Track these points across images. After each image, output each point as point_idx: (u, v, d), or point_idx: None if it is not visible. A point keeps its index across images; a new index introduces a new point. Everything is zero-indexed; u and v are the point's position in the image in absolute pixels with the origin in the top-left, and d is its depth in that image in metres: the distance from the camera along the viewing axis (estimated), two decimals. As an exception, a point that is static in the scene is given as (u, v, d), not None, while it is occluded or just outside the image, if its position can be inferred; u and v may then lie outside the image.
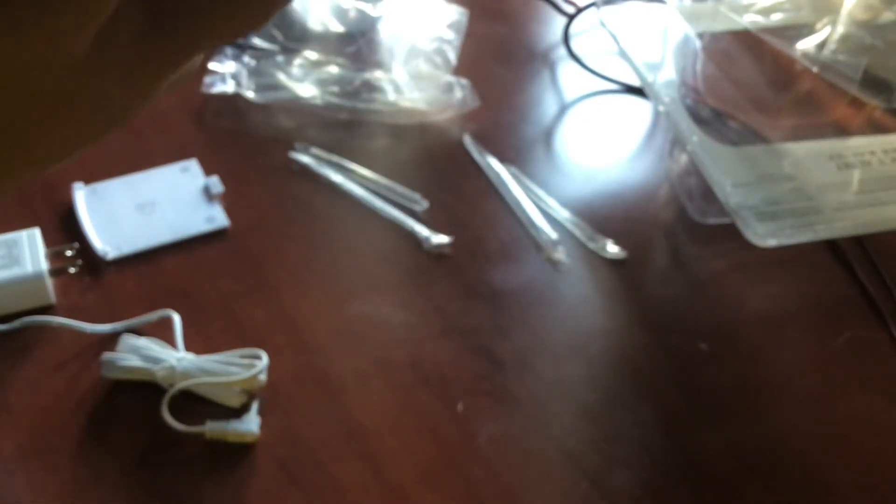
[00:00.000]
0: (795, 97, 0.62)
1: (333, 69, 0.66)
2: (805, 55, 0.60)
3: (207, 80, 0.64)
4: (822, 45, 0.60)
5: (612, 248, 0.56)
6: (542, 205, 0.59)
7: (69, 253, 0.51)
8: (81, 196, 0.55)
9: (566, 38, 0.73)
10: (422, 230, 0.56)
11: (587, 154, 0.65)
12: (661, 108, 0.58)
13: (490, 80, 0.69)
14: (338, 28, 0.70)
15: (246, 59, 0.65)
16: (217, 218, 0.55)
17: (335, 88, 0.64)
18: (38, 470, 0.42)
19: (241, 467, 0.43)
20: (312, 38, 0.69)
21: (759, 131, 0.58)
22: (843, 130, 0.59)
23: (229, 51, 0.66)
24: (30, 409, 0.44)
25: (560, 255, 0.55)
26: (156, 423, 0.44)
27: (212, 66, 0.65)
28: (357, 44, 0.69)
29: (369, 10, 0.71)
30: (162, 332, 0.48)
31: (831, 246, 0.58)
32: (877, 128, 0.59)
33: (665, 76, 0.60)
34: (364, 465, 0.43)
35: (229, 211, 0.56)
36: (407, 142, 0.64)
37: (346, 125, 0.64)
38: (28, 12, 0.14)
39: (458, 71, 0.68)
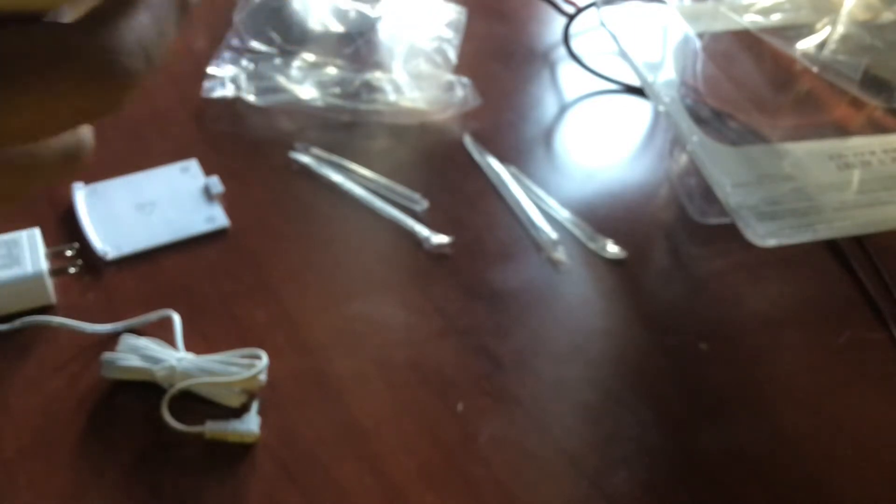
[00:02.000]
0: (795, 97, 0.62)
1: (332, 70, 0.66)
2: (805, 55, 0.60)
3: (207, 84, 0.64)
4: (822, 45, 0.60)
5: (612, 248, 0.56)
6: (542, 205, 0.59)
7: (69, 253, 0.51)
8: (81, 196, 0.56)
9: (566, 38, 0.73)
10: (422, 230, 0.56)
11: (587, 154, 0.65)
12: (661, 108, 0.58)
13: (490, 80, 0.69)
14: (337, 29, 0.70)
15: (244, 62, 0.65)
16: (217, 218, 0.55)
17: (336, 90, 0.64)
18: (39, 470, 0.42)
19: (241, 467, 0.43)
20: (310, 39, 0.69)
21: (759, 131, 0.58)
22: (843, 130, 0.59)
23: (227, 54, 0.66)
24: (30, 409, 0.44)
25: (560, 255, 0.55)
26: (156, 423, 0.44)
27: (210, 70, 0.65)
28: (355, 44, 0.69)
29: (368, 10, 0.71)
30: (162, 332, 0.48)
31: (831, 246, 0.58)
32: (877, 128, 0.59)
33: (665, 76, 0.60)
34: (364, 465, 0.43)
35: (229, 211, 0.56)
36: (407, 142, 0.64)
37: (346, 126, 0.64)
38: None
39: (458, 71, 0.68)
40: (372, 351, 0.49)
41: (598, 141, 0.66)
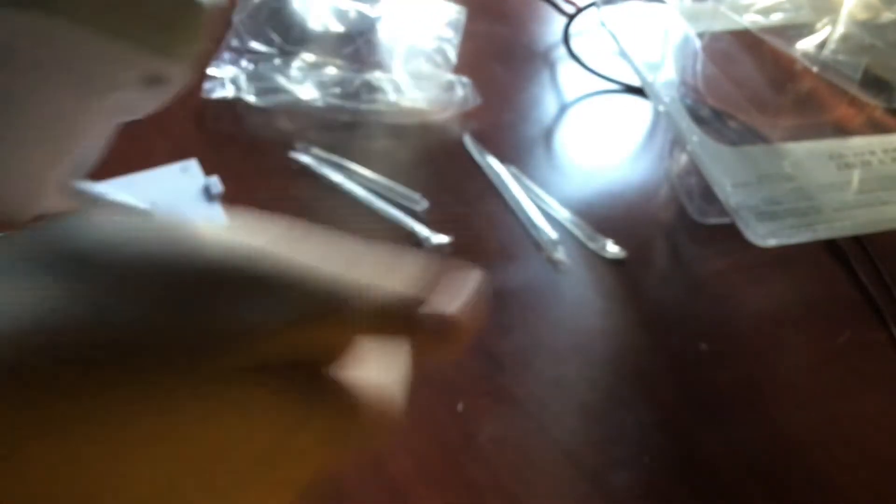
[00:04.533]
0: (795, 97, 0.62)
1: (332, 70, 0.66)
2: (805, 55, 0.60)
3: (207, 85, 0.64)
4: (822, 45, 0.60)
5: (612, 248, 0.56)
6: (542, 205, 0.59)
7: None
8: (81, 196, 0.56)
9: (566, 38, 0.73)
10: (422, 230, 0.56)
11: (587, 154, 0.65)
12: (661, 108, 0.58)
13: (490, 79, 0.69)
14: (337, 29, 0.70)
15: (244, 63, 0.65)
16: (217, 218, 0.55)
17: (336, 90, 0.64)
18: (38, 470, 0.42)
19: (241, 467, 0.43)
20: (310, 39, 0.69)
21: (759, 131, 0.58)
22: (843, 130, 0.59)
23: (227, 55, 0.66)
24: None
25: (560, 255, 0.55)
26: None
27: (210, 71, 0.65)
28: (355, 44, 0.69)
29: (368, 10, 0.71)
30: (162, 332, 0.48)
31: (831, 246, 0.58)
32: (877, 128, 0.59)
33: (665, 76, 0.60)
34: (364, 466, 0.43)
35: (229, 211, 0.56)
36: (407, 142, 0.64)
37: (346, 126, 0.64)
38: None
39: (458, 71, 0.68)
40: (372, 351, 0.49)
41: (598, 141, 0.66)
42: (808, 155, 0.56)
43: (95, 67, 0.30)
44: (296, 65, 0.66)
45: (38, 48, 0.27)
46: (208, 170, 0.58)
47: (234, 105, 0.63)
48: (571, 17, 0.75)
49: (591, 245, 0.56)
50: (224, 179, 0.57)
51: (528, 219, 0.57)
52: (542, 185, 0.60)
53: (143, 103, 0.33)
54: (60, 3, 0.25)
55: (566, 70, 0.72)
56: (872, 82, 0.58)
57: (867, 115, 0.60)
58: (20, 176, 0.33)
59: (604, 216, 0.58)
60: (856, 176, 0.54)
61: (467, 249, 0.55)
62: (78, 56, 0.28)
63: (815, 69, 0.59)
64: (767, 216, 0.50)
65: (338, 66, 0.66)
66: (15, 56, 0.27)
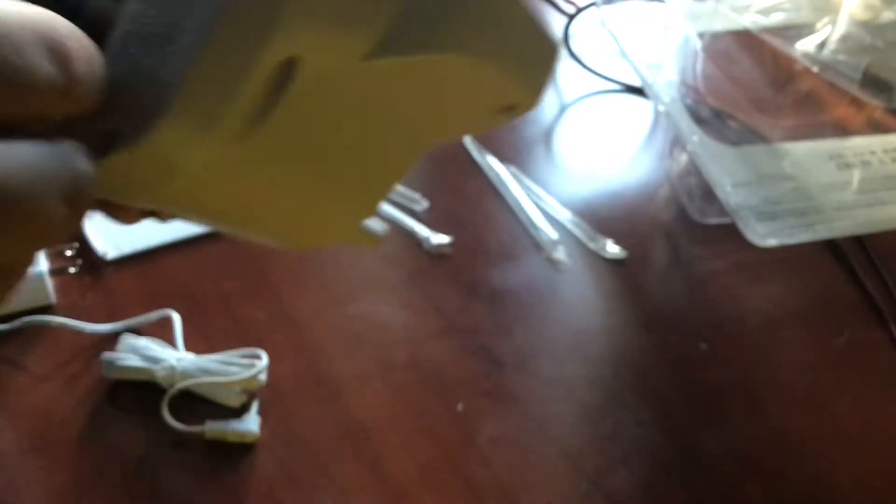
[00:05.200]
0: (795, 97, 0.62)
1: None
2: (805, 55, 0.60)
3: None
4: (822, 45, 0.60)
5: (612, 248, 0.56)
6: (542, 205, 0.59)
7: (69, 253, 0.51)
8: (81, 196, 0.55)
9: (566, 38, 0.73)
10: (422, 230, 0.56)
11: (587, 154, 0.65)
12: (661, 108, 0.58)
13: (490, 80, 0.68)
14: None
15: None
16: (217, 218, 0.55)
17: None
18: (39, 470, 0.42)
19: (241, 467, 0.43)
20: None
21: (759, 131, 0.58)
22: (843, 130, 0.59)
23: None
24: (30, 409, 0.44)
25: (560, 255, 0.55)
26: (156, 423, 0.44)
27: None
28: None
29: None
30: (162, 332, 0.48)
31: (831, 246, 0.58)
32: (877, 128, 0.59)
33: (665, 76, 0.60)
34: (364, 465, 0.43)
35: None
36: (407, 142, 0.64)
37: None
38: None
39: (458, 71, 0.68)
40: (372, 351, 0.49)
41: (598, 141, 0.66)
42: (808, 155, 0.56)
43: (471, 101, 0.28)
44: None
45: (413, 87, 0.25)
46: (208, 170, 0.58)
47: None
48: (571, 17, 0.75)
49: (591, 245, 0.56)
50: (224, 179, 0.57)
51: (528, 219, 0.57)
52: (542, 185, 0.60)
53: (482, 129, 0.32)
54: (454, 40, 0.24)
55: (566, 70, 0.72)
56: (872, 82, 0.58)
57: (867, 115, 0.60)
58: (334, 219, 0.29)
59: (604, 216, 0.58)
60: (856, 176, 0.54)
61: (467, 249, 0.55)
62: (459, 89, 0.27)
63: (815, 69, 0.59)
64: (767, 216, 0.50)
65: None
66: (388, 101, 0.25)
